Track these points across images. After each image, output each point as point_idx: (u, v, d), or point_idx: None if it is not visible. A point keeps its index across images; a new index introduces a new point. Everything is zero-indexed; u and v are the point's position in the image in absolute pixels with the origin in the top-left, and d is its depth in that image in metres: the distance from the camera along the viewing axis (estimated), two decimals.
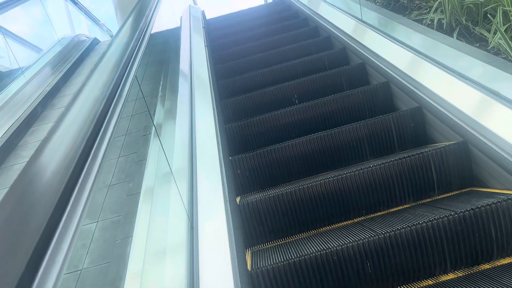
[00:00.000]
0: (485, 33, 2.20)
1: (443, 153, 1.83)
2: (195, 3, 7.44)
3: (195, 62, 3.38)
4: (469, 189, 1.82)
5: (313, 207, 1.86)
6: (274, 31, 4.29)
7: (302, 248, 1.60)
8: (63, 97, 4.08)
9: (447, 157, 1.83)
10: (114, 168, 2.16)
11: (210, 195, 1.77)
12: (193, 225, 1.53)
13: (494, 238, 1.49)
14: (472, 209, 1.48)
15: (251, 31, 4.56)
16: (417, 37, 2.40)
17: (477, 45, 2.20)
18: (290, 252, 1.59)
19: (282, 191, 1.84)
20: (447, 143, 1.87)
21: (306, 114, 2.52)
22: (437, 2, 2.56)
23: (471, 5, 2.36)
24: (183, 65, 3.26)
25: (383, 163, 1.83)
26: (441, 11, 2.50)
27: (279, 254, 1.61)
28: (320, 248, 1.50)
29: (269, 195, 1.84)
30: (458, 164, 1.83)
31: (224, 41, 4.46)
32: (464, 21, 2.37)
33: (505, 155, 1.57)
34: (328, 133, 2.20)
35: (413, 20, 2.67)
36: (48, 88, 4.06)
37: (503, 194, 1.55)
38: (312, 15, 4.17)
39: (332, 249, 1.48)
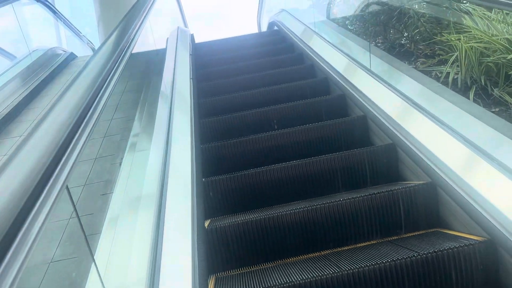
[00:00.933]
0: (507, 97, 1.94)
1: (412, 192, 1.86)
2: (185, 25, 7.17)
3: (176, 96, 2.99)
4: (435, 229, 1.86)
5: (281, 237, 1.86)
6: (266, 64, 4.02)
7: (266, 279, 1.59)
8: (22, 123, 3.51)
9: (416, 197, 1.87)
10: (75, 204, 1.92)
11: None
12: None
13: (454, 282, 1.51)
14: (435, 251, 1.51)
15: (242, 62, 4.27)
16: (432, 98, 2.12)
17: (497, 109, 1.96)
18: (253, 282, 1.58)
19: (251, 218, 1.84)
20: (416, 183, 1.90)
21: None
22: (453, 56, 2.22)
23: (491, 64, 2.08)
24: (164, 90, 3.11)
25: (353, 198, 1.85)
26: (451, 63, 2.23)
27: (242, 284, 1.60)
28: (284, 281, 1.50)
29: (238, 221, 1.83)
30: (426, 205, 1.87)
31: (212, 71, 4.16)
32: (482, 81, 2.07)
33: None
34: (303, 162, 2.22)
35: (421, 71, 2.45)
36: (6, 111, 3.47)
37: (466, 238, 1.58)
38: (308, 52, 3.87)
39: (295, 283, 1.48)
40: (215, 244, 1.84)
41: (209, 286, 1.63)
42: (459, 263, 1.50)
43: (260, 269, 1.77)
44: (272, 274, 1.62)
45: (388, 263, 1.50)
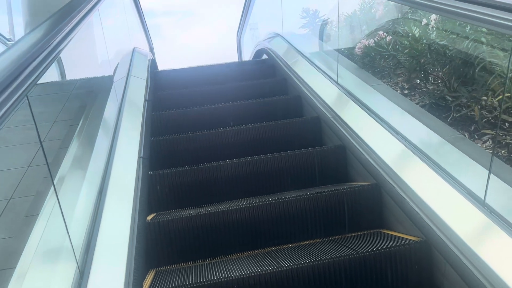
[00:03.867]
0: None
1: (357, 192, 1.89)
2: (148, 42, 5.64)
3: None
4: (377, 230, 1.89)
5: (225, 233, 1.84)
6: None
7: (206, 273, 1.57)
8: None
9: (360, 197, 1.90)
10: None
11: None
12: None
13: (390, 281, 1.54)
14: (372, 250, 1.53)
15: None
16: None
17: None
18: (192, 277, 1.55)
19: (195, 213, 1.81)
20: (361, 183, 1.94)
21: None
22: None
23: None
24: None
25: (298, 196, 1.86)
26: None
27: (182, 278, 1.57)
28: (222, 276, 1.48)
29: (181, 215, 1.80)
30: (370, 205, 1.90)
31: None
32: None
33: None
34: (253, 159, 2.21)
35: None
36: None
37: (403, 239, 1.62)
38: (310, 95, 2.81)
39: (233, 278, 1.46)
40: (157, 238, 1.80)
41: (147, 279, 1.59)
42: (394, 263, 1.53)
43: (201, 264, 1.74)
44: (212, 269, 1.60)
45: (326, 261, 1.51)
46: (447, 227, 1.43)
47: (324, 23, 3.65)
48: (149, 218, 1.84)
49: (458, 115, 2.03)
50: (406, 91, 2.49)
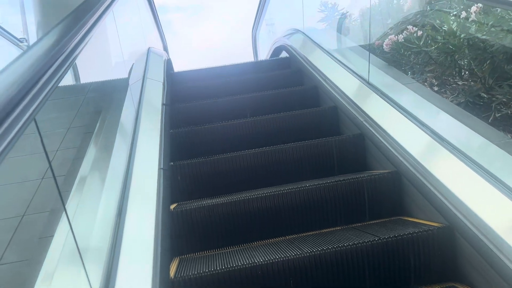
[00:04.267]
0: None
1: (377, 180, 1.90)
2: (162, 41, 5.43)
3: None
4: (398, 217, 1.90)
5: (247, 221, 1.86)
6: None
7: (229, 260, 1.59)
8: None
9: (380, 185, 1.90)
10: None
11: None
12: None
13: (412, 266, 1.55)
14: (395, 236, 1.54)
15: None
16: None
17: None
18: (217, 263, 1.58)
19: (217, 202, 1.83)
20: (381, 171, 1.94)
21: None
22: None
23: None
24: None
25: (319, 184, 1.87)
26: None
27: (206, 265, 1.60)
28: (246, 262, 1.50)
29: (203, 204, 1.83)
30: (390, 193, 1.90)
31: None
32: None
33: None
34: (273, 149, 2.23)
35: None
36: None
37: (425, 224, 1.62)
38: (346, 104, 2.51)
39: (257, 264, 1.49)
40: (181, 227, 1.83)
41: (172, 266, 1.62)
42: (417, 248, 1.54)
43: (224, 252, 1.77)
44: (235, 256, 1.63)
45: (349, 247, 1.52)
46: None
47: (343, 17, 3.44)
48: (172, 207, 1.88)
49: (499, 114, 1.92)
50: (435, 88, 2.37)
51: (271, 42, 4.78)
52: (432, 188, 1.65)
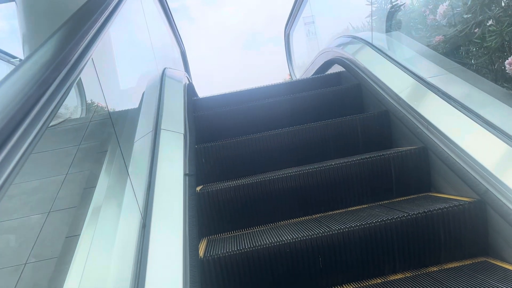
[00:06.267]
0: None
1: (404, 156, 1.86)
2: (186, 65, 4.46)
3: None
4: (426, 193, 1.86)
5: (273, 201, 1.86)
6: None
7: (257, 239, 1.60)
8: None
9: (407, 161, 1.87)
10: None
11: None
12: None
13: (442, 242, 1.53)
14: (424, 212, 1.52)
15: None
16: None
17: None
18: (244, 243, 1.60)
19: (243, 182, 1.84)
20: (408, 148, 1.90)
21: None
22: None
23: None
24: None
25: (344, 162, 1.85)
26: None
27: (234, 244, 1.61)
28: (274, 240, 1.51)
29: (229, 185, 1.84)
30: (417, 169, 1.87)
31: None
32: None
33: (461, 163, 1.61)
34: (296, 129, 2.21)
35: None
36: None
37: (455, 200, 1.59)
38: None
39: (285, 242, 1.49)
40: (207, 208, 1.85)
41: (201, 247, 1.64)
42: (447, 223, 1.51)
43: (251, 231, 1.78)
44: (263, 235, 1.63)
45: (378, 223, 1.51)
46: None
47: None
48: (198, 188, 1.89)
49: None
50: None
51: (318, 53, 3.70)
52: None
